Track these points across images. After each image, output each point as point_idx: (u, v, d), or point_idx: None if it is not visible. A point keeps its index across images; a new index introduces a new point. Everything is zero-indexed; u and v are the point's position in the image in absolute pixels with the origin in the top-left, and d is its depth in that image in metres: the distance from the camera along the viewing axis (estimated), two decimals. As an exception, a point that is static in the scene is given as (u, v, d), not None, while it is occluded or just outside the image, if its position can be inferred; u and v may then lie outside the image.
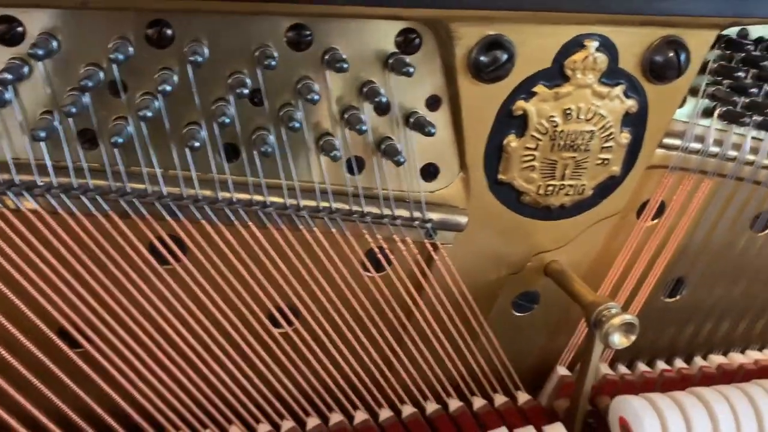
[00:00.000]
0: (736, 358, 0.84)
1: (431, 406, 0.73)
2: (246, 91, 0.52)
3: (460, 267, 0.69)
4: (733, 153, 0.70)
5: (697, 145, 0.69)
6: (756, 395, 0.69)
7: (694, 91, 0.68)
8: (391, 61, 0.56)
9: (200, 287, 0.62)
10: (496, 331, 0.74)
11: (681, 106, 0.68)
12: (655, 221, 0.73)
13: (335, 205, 0.61)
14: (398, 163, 0.58)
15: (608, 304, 0.63)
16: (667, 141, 0.68)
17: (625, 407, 0.67)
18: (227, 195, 0.58)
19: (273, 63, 0.52)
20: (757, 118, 0.69)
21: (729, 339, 0.85)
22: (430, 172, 0.64)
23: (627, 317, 0.62)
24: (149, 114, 0.52)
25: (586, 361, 0.67)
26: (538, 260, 0.72)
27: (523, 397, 0.76)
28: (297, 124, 0.54)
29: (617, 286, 0.76)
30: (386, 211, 0.62)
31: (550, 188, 0.66)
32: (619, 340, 0.62)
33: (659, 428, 0.64)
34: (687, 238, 0.75)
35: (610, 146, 0.65)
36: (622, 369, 0.81)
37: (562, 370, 0.78)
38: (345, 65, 0.53)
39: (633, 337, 0.63)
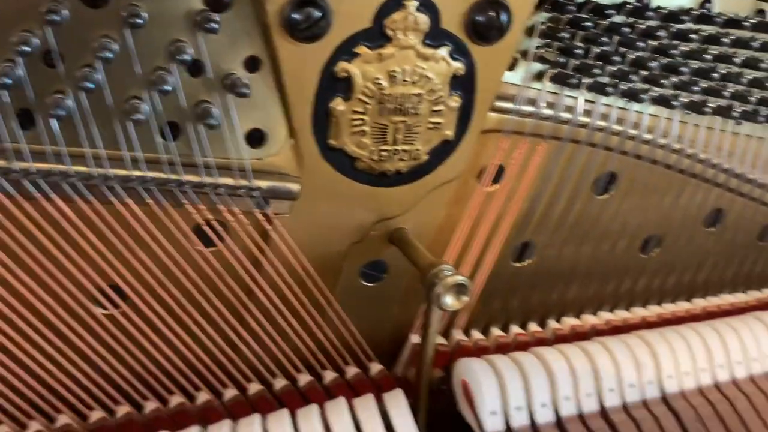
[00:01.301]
0: (589, 320, 0.86)
1: (279, 383, 0.71)
2: (28, 49, 0.48)
3: (299, 238, 0.67)
4: (566, 116, 0.71)
5: (530, 109, 0.70)
6: (594, 352, 0.71)
7: (526, 54, 0.68)
8: (198, 18, 0.53)
9: (7, 269, 0.57)
10: (346, 303, 0.73)
11: (512, 69, 0.68)
12: (496, 186, 0.74)
13: (149, 174, 0.57)
14: (211, 126, 0.55)
15: (441, 267, 0.63)
16: (501, 104, 0.69)
17: (466, 370, 0.67)
18: (24, 165, 0.54)
19: (56, 18, 0.48)
20: (587, 80, 0.70)
21: (581, 301, 0.87)
22: (256, 137, 0.61)
23: (458, 278, 0.62)
24: None
25: (426, 326, 0.67)
26: (382, 228, 0.71)
27: (375, 367, 0.75)
28: (90, 85, 0.51)
29: (463, 252, 0.76)
30: (208, 180, 0.59)
31: (384, 153, 0.65)
32: (451, 302, 0.62)
33: (497, 388, 0.65)
34: (530, 202, 0.76)
35: (441, 110, 0.64)
36: (477, 335, 0.81)
37: (415, 339, 0.78)
38: (139, 21, 0.50)
39: (465, 299, 0.62)
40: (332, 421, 0.59)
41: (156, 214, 0.60)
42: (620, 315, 0.88)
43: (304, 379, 0.72)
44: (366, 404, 0.61)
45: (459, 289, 0.62)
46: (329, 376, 0.73)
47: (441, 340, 0.79)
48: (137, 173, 0.57)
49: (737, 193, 0.87)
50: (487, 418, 0.63)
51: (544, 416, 0.65)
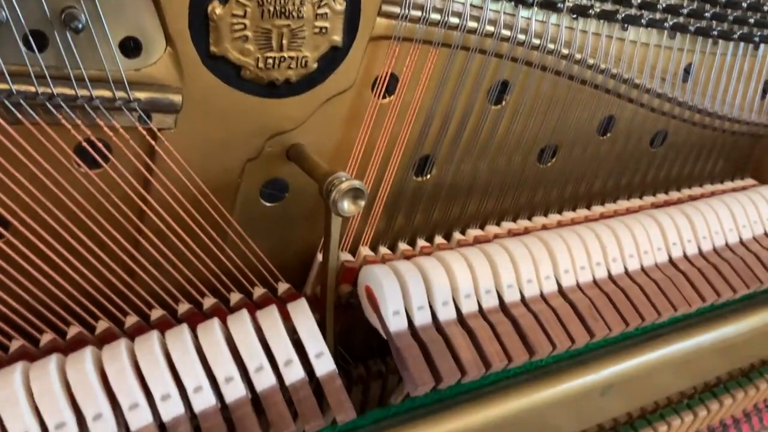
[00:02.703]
0: (492, 230, 0.88)
1: (183, 307, 0.70)
2: None
3: (189, 156, 0.65)
4: (455, 20, 0.72)
5: (418, 14, 0.69)
6: (493, 252, 0.73)
7: (409, -44, 0.68)
8: None
9: None
10: (247, 225, 0.71)
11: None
12: (391, 97, 0.74)
13: (15, 87, 0.54)
14: (77, 30, 0.53)
15: (337, 174, 0.63)
16: (389, 9, 0.68)
17: (368, 275, 0.68)
18: None
19: None
20: (473, -17, 0.70)
21: (483, 214, 0.89)
22: (131, 47, 0.59)
23: (354, 183, 0.62)
24: None
25: (326, 236, 0.67)
26: (278, 144, 0.70)
27: (282, 287, 0.75)
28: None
29: (364, 168, 0.76)
30: (82, 92, 0.57)
31: (270, 61, 0.63)
32: (348, 207, 0.62)
33: (398, 289, 0.66)
34: (426, 114, 0.76)
35: (325, 13, 0.63)
36: (384, 250, 0.82)
37: (321, 257, 0.78)
38: None
39: (362, 203, 0.63)
40: (234, 329, 0.59)
41: (32, 134, 0.57)
42: (522, 224, 0.90)
43: (208, 302, 0.71)
44: (268, 312, 0.61)
45: (355, 194, 0.62)
46: (235, 297, 0.72)
47: (349, 257, 0.79)
48: (2, 86, 0.54)
49: (627, 99, 0.91)
50: (391, 318, 0.64)
51: (446, 314, 0.67)
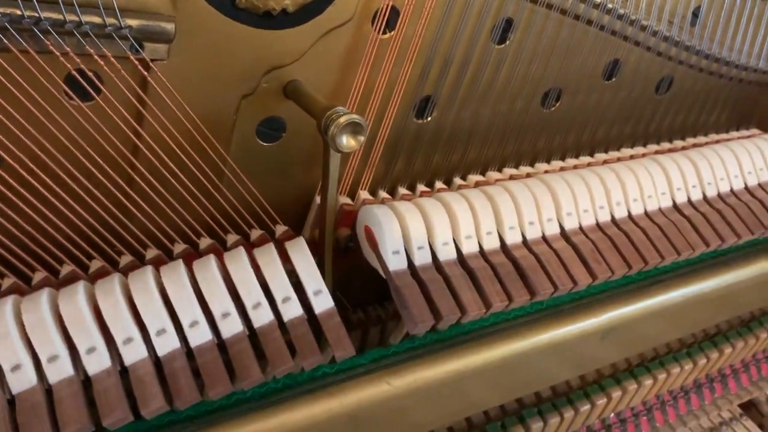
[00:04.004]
0: (493, 176, 0.87)
1: (179, 248, 0.69)
2: None
3: (183, 90, 0.63)
4: (457, -48, 0.69)
5: (419, -56, 0.67)
6: (495, 193, 0.72)
7: None
8: None
9: None
10: (243, 165, 0.70)
11: None
12: (392, 32, 0.71)
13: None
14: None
15: (336, 108, 0.61)
16: (388, -62, 0.65)
17: (367, 216, 0.66)
18: None
19: None
20: None
21: (485, 159, 0.87)
22: (121, -29, 0.56)
23: (353, 117, 0.60)
24: None
25: (325, 174, 0.65)
26: (275, 80, 0.68)
27: (280, 229, 0.73)
28: None
29: (363, 108, 0.73)
30: (71, 17, 0.54)
31: (266, -11, 0.61)
32: (347, 142, 0.60)
33: (398, 229, 0.65)
34: (427, 51, 0.74)
35: (324, -61, 0.61)
36: (383, 194, 0.81)
37: (320, 200, 0.76)
38: None
39: (362, 138, 0.61)
40: (231, 266, 0.57)
41: (20, 63, 0.55)
42: (524, 171, 0.89)
43: (204, 243, 0.70)
44: (265, 250, 0.59)
45: (354, 128, 0.60)
46: (232, 239, 0.71)
47: (348, 200, 0.78)
48: (-15, 8, 0.51)
49: (633, 42, 0.88)
50: (390, 258, 0.63)
51: (446, 254, 0.66)
